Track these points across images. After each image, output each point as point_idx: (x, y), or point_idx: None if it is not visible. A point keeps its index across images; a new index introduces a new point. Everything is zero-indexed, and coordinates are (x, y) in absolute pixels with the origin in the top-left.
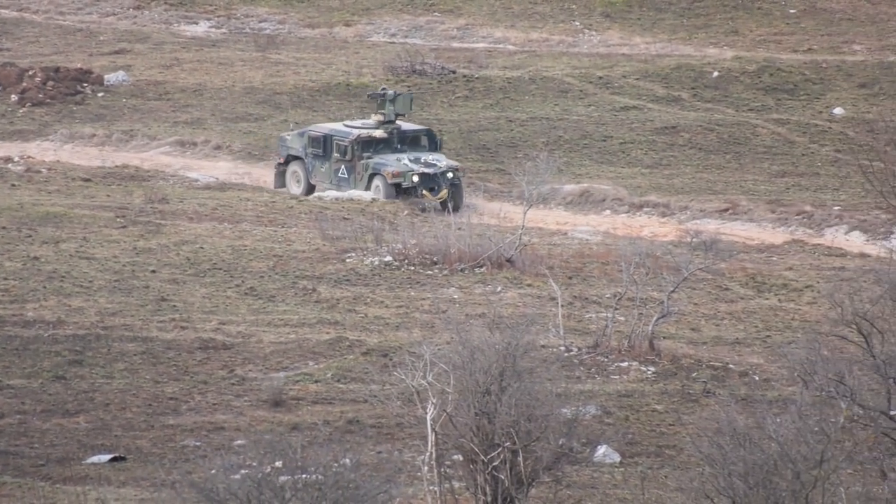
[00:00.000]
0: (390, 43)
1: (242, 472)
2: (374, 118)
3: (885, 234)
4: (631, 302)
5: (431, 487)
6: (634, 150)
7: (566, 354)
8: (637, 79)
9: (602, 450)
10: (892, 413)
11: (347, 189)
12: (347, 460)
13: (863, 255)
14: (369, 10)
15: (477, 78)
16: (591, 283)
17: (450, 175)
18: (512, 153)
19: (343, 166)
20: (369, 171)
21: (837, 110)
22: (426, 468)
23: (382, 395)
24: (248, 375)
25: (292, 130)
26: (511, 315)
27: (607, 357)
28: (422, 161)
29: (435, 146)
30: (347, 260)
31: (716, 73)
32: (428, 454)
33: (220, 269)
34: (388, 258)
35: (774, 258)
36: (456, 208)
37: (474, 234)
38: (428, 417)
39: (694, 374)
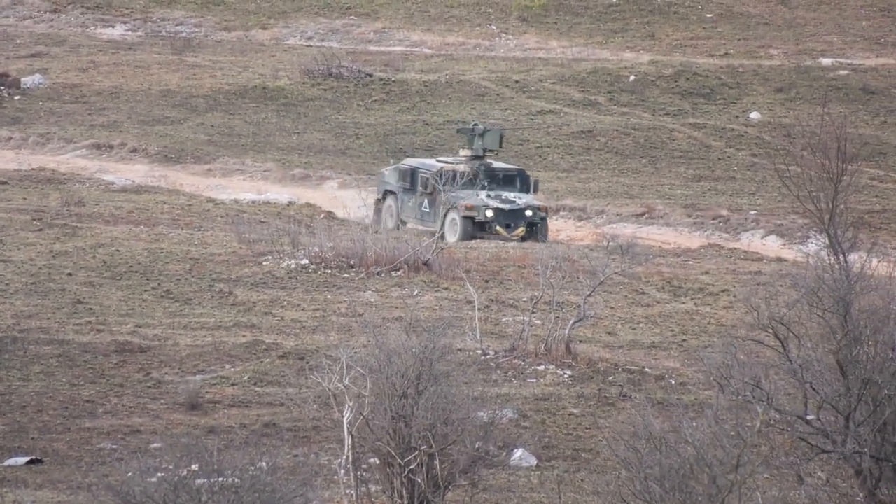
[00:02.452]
0: (307, 46)
1: (159, 475)
2: (463, 154)
3: (801, 238)
4: (548, 305)
5: (348, 491)
6: (551, 154)
7: (483, 358)
8: (554, 83)
9: (518, 453)
10: (808, 417)
11: (430, 224)
12: (264, 463)
13: (779, 260)
14: (286, 14)
15: (393, 81)
16: (508, 286)
17: (528, 213)
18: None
19: (426, 200)
20: (447, 206)
21: (754, 114)
22: (342, 472)
23: (299, 398)
24: (164, 378)
25: (391, 165)
26: (428, 318)
27: (524, 361)
28: (501, 198)
29: (527, 188)
30: (264, 263)
31: (632, 78)
32: (344, 457)
33: (137, 271)
34: (305, 261)
35: (691, 262)
36: (542, 240)
37: (391, 238)
38: (344, 421)
39: (610, 378)
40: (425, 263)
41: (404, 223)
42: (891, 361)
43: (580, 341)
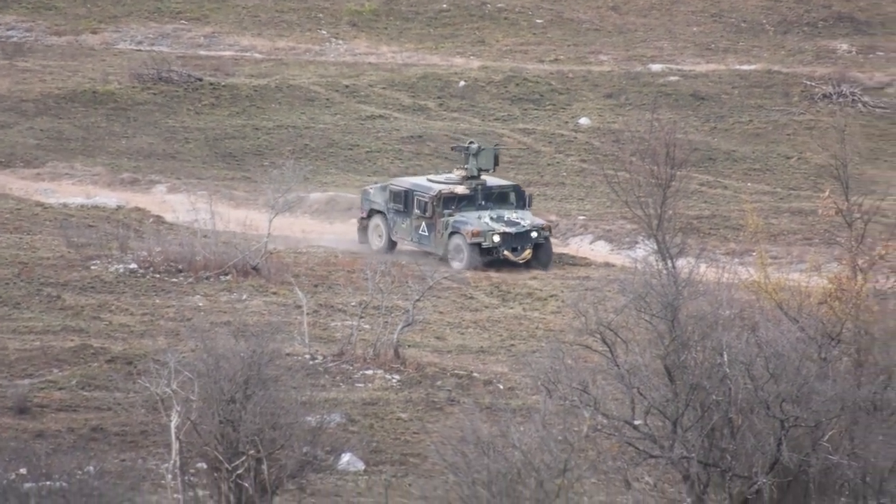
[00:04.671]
0: (137, 50)
1: None
2: (457, 173)
3: (629, 243)
4: (376, 310)
5: (175, 495)
6: (381, 159)
7: (311, 362)
8: (384, 88)
9: (346, 458)
10: (636, 422)
11: (428, 247)
12: (92, 468)
13: (607, 265)
14: (116, 18)
15: (224, 86)
16: (337, 291)
17: (534, 234)
18: (258, 161)
19: (424, 223)
20: (449, 230)
21: (583, 120)
22: (170, 476)
23: (127, 402)
24: None
25: (375, 184)
26: (256, 323)
27: (352, 365)
28: (504, 219)
29: (522, 203)
30: (92, 267)
31: (462, 83)
32: (172, 462)
33: None
34: (134, 266)
35: (519, 267)
36: (544, 267)
37: (220, 242)
38: (172, 425)
39: (438, 383)
40: (254, 268)
41: (394, 244)
42: (718, 367)
43: (409, 346)
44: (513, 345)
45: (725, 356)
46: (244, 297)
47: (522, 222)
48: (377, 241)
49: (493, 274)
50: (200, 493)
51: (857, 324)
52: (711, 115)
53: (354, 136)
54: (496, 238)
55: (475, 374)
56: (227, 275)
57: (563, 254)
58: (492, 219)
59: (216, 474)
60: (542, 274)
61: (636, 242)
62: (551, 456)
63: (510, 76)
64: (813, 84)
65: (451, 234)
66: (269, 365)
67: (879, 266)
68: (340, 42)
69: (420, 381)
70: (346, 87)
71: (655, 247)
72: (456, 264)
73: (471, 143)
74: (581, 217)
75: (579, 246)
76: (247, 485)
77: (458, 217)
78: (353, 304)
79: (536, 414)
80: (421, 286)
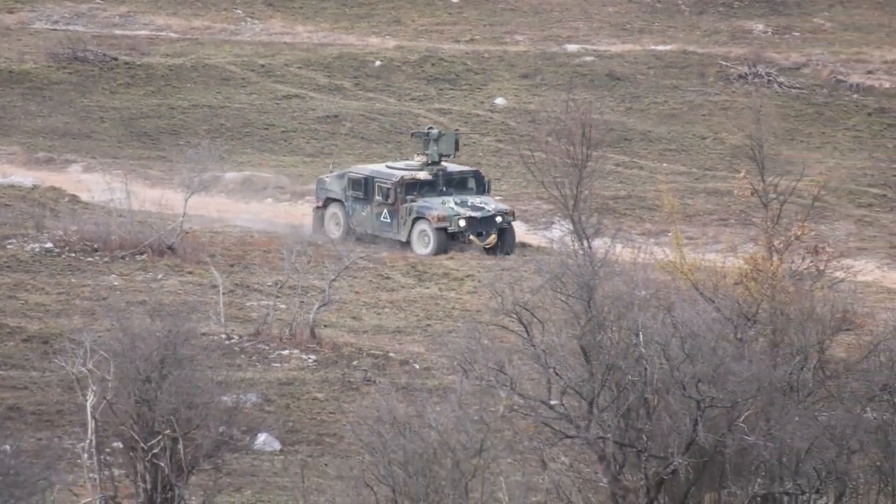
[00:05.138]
0: (52, 30)
1: None
2: (418, 159)
3: (545, 224)
4: (292, 290)
5: (91, 475)
6: (296, 139)
7: (227, 342)
8: (299, 67)
9: (262, 438)
10: (552, 403)
11: (391, 234)
12: (7, 447)
13: (524, 245)
14: None
15: (139, 65)
16: (253, 270)
17: (498, 219)
18: (174, 140)
19: (385, 210)
20: (413, 216)
21: (499, 100)
22: (86, 455)
23: (43, 382)
24: None
25: (332, 172)
26: (172, 303)
27: (268, 345)
28: (468, 204)
29: (483, 188)
30: (8, 246)
31: (378, 63)
32: (88, 441)
33: None
34: (50, 245)
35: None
36: (507, 253)
37: (136, 222)
38: (88, 405)
39: (355, 363)
40: (170, 247)
41: (354, 232)
42: (634, 347)
43: (325, 326)
44: (429, 325)
45: (641, 336)
46: (160, 276)
47: (487, 207)
48: (335, 231)
49: (410, 254)
50: (116, 472)
51: (773, 304)
52: (627, 96)
53: (270, 115)
54: (462, 223)
55: (391, 354)
56: (142, 254)
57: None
58: (456, 204)
59: (132, 454)
60: (458, 254)
61: (552, 223)
62: (467, 436)
63: (426, 56)
64: (728, 65)
65: (416, 219)
66: (184, 345)
67: (795, 247)
68: (256, 21)
69: (336, 361)
70: (262, 66)
71: (571, 227)
72: (421, 250)
73: (430, 128)
74: (497, 197)
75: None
76: (162, 464)
77: (421, 202)
78: (269, 283)
79: (453, 394)
80: (337, 266)
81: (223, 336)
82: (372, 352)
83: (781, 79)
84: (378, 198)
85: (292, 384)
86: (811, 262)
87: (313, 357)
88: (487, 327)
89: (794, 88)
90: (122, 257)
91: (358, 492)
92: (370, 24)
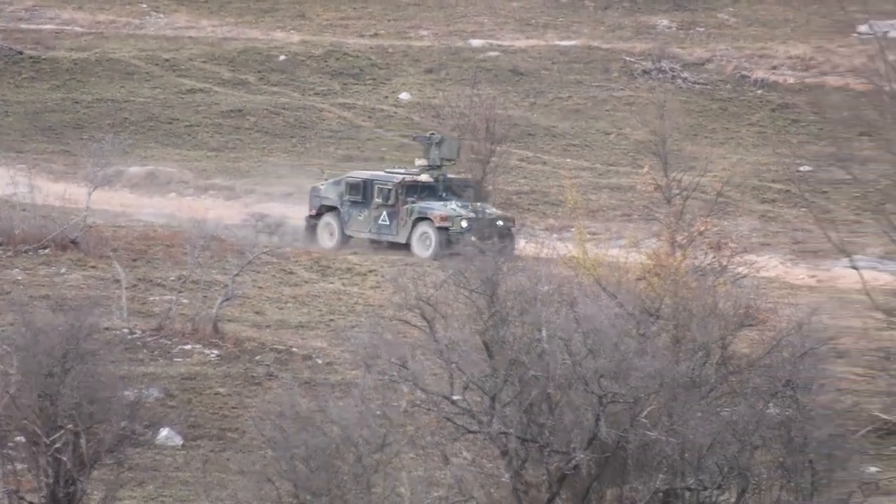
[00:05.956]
0: None
1: None
2: (419, 163)
3: None
4: (195, 285)
5: None
6: (200, 133)
7: (130, 337)
8: (204, 62)
9: (165, 432)
10: (454, 398)
11: (390, 237)
12: None
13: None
14: None
15: (44, 59)
16: (156, 265)
17: (499, 223)
18: (77, 135)
19: (385, 212)
20: (414, 216)
21: (403, 95)
22: None
23: None
24: None
25: (326, 180)
26: (75, 297)
27: (171, 340)
28: (469, 207)
29: (480, 196)
30: None
31: (282, 57)
32: None
33: None
34: None
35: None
36: (507, 257)
37: (39, 216)
38: None
39: (257, 358)
40: (73, 241)
41: (349, 238)
42: (537, 342)
43: (228, 321)
44: (332, 320)
45: (544, 332)
46: (63, 270)
47: (488, 211)
48: (328, 240)
49: (313, 249)
50: (19, 466)
51: (676, 300)
52: (531, 91)
53: (174, 109)
54: (464, 223)
55: (294, 349)
56: (45, 248)
57: None
58: (458, 206)
59: (34, 448)
60: (361, 249)
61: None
62: (370, 431)
63: (330, 50)
64: (633, 60)
65: (417, 220)
66: (87, 339)
67: (698, 242)
68: (161, 16)
69: (239, 355)
70: (166, 60)
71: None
72: (422, 252)
73: (432, 133)
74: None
75: None
76: (65, 459)
77: (423, 204)
78: (172, 278)
79: (355, 389)
80: (240, 260)
81: (126, 331)
82: (275, 347)
83: (685, 74)
84: (378, 200)
85: (195, 379)
86: (714, 257)
87: (216, 352)
88: (390, 322)
89: (699, 84)
90: (26, 251)
91: (260, 487)
92: (275, 19)
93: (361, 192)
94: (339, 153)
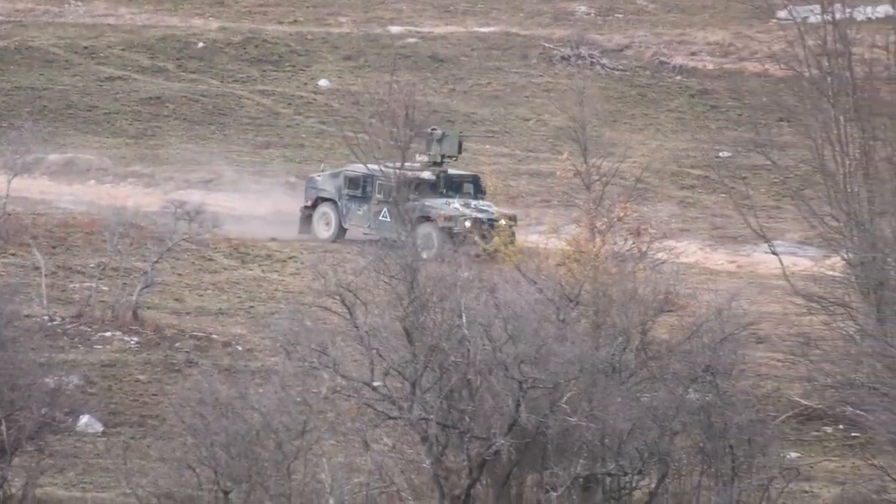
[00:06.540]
0: None
1: None
2: (420, 159)
3: None
4: (115, 272)
5: None
6: (119, 121)
7: (50, 324)
8: (123, 49)
9: (85, 419)
10: (374, 384)
11: (388, 233)
12: None
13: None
14: None
15: None
16: (76, 252)
17: (502, 222)
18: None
19: (386, 209)
20: (416, 215)
21: (322, 82)
22: None
23: None
24: None
25: (323, 171)
26: None
27: (91, 327)
28: (471, 206)
29: (481, 193)
30: None
31: (201, 44)
32: None
33: None
34: None
35: (258, 229)
36: (510, 256)
37: None
38: None
39: (177, 344)
40: None
41: (345, 232)
42: (457, 328)
43: (147, 308)
44: (252, 306)
45: (464, 318)
46: None
47: (490, 210)
48: (324, 231)
49: (233, 236)
50: None
51: (596, 286)
52: (450, 78)
53: (93, 97)
54: (467, 224)
55: (214, 336)
56: None
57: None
58: (461, 205)
59: None
60: (281, 235)
61: None
62: (290, 417)
63: (249, 37)
64: (551, 46)
65: (419, 218)
66: (7, 326)
67: (617, 228)
68: (80, 3)
69: (158, 342)
70: (85, 48)
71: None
72: (424, 252)
73: (433, 129)
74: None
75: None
76: None
77: (425, 203)
78: (91, 265)
79: (275, 376)
80: (160, 248)
81: (46, 318)
82: (194, 333)
83: (604, 60)
84: (378, 196)
85: (115, 366)
86: (634, 243)
87: (136, 339)
88: (310, 309)
89: (617, 70)
90: None
91: (180, 473)
92: (193, 6)
93: (361, 187)
94: (259, 140)
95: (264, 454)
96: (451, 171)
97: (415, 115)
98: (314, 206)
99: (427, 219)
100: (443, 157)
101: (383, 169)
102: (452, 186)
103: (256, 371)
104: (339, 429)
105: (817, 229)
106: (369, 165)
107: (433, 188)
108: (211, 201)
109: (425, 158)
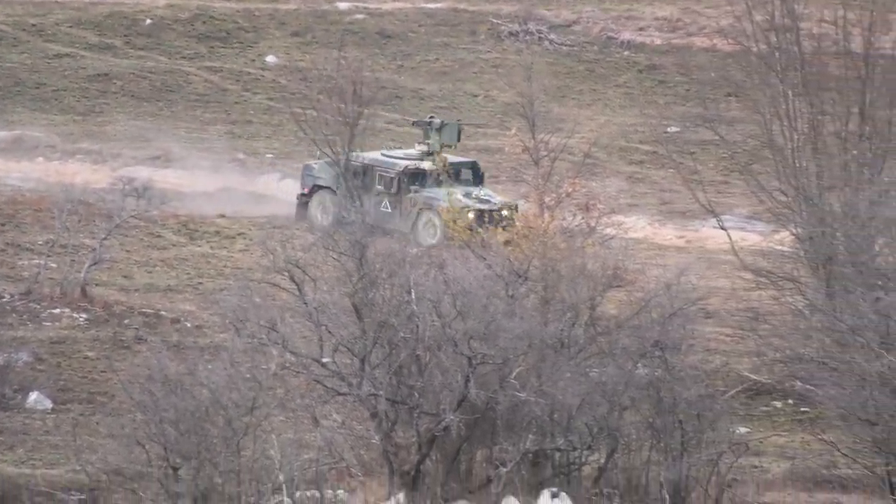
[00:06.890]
0: None
1: None
2: (418, 148)
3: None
4: (64, 249)
5: None
6: (67, 98)
7: None
8: (70, 26)
9: (34, 396)
10: (323, 360)
11: (392, 224)
12: None
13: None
14: None
15: None
16: (24, 229)
17: (505, 213)
18: None
19: (387, 200)
20: (418, 206)
21: (270, 58)
22: None
23: None
24: None
25: (319, 159)
26: None
27: (39, 304)
28: (473, 196)
29: (479, 179)
30: None
31: (149, 21)
32: None
33: None
34: None
35: (206, 206)
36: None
37: None
38: None
39: (126, 321)
40: None
41: (343, 217)
42: (406, 304)
43: (96, 285)
44: (200, 283)
45: (413, 294)
46: None
47: (493, 199)
48: (321, 218)
49: (181, 213)
50: None
51: (544, 261)
52: (398, 54)
53: (41, 74)
54: (470, 215)
55: (163, 313)
56: None
57: (251, 192)
58: (463, 196)
59: None
60: (229, 211)
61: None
62: (239, 394)
63: (197, 14)
64: (499, 22)
65: (421, 209)
66: None
67: (566, 204)
68: None
69: (107, 319)
70: (33, 25)
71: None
72: (427, 241)
73: (432, 117)
74: (269, 155)
75: (267, 184)
76: None
77: (426, 193)
78: (40, 242)
79: (225, 352)
80: (108, 224)
81: None
82: (143, 310)
83: (552, 36)
84: (379, 187)
85: (64, 343)
86: (582, 218)
87: (84, 316)
88: (259, 285)
89: (565, 46)
90: None
91: (130, 450)
92: None
93: (361, 177)
94: (206, 116)
95: (213, 430)
96: (450, 158)
97: (363, 92)
98: (311, 193)
99: (430, 209)
100: (442, 146)
101: (383, 158)
102: (451, 174)
103: (205, 348)
104: (288, 405)
105: (766, 204)
106: (368, 155)
107: (434, 177)
108: (159, 178)
109: (424, 148)
